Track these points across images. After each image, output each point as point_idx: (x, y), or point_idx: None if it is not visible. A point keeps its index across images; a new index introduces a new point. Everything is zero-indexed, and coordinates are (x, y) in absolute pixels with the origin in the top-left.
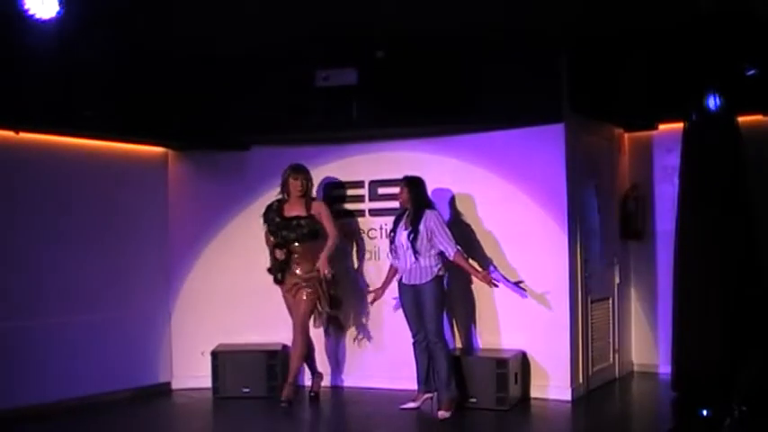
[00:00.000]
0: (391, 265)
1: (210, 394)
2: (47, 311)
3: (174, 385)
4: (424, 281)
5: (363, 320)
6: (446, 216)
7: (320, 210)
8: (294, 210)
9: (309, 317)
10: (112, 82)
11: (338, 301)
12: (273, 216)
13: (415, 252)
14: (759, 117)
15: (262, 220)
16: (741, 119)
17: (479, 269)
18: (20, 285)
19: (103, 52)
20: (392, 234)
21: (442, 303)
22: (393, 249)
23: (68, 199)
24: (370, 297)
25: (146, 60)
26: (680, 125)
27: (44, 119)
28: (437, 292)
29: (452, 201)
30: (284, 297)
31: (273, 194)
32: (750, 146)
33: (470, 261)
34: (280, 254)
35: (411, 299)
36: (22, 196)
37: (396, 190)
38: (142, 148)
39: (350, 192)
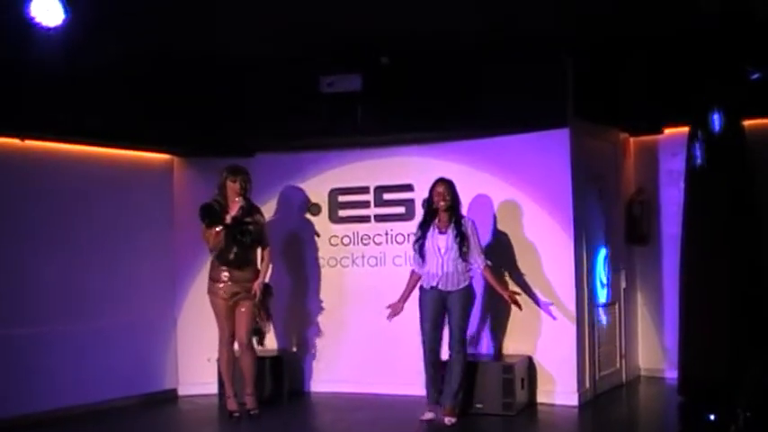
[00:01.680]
0: (412, 273)
1: (216, 401)
2: (52, 319)
3: (181, 392)
4: (460, 287)
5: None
6: None
7: (264, 220)
8: (235, 213)
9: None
10: (117, 89)
11: (271, 315)
12: (221, 217)
13: (460, 257)
14: (764, 121)
15: (206, 220)
16: (746, 122)
17: (507, 287)
18: (25, 293)
19: (108, 60)
20: (420, 239)
21: (471, 310)
22: (421, 255)
23: (73, 206)
24: (388, 312)
25: (151, 67)
26: (685, 129)
27: (49, 126)
28: (470, 299)
29: None
30: (217, 303)
31: (275, 200)
32: (755, 150)
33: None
34: (232, 254)
35: (438, 306)
36: (28, 204)
37: (401, 196)
38: (147, 154)
39: (355, 198)
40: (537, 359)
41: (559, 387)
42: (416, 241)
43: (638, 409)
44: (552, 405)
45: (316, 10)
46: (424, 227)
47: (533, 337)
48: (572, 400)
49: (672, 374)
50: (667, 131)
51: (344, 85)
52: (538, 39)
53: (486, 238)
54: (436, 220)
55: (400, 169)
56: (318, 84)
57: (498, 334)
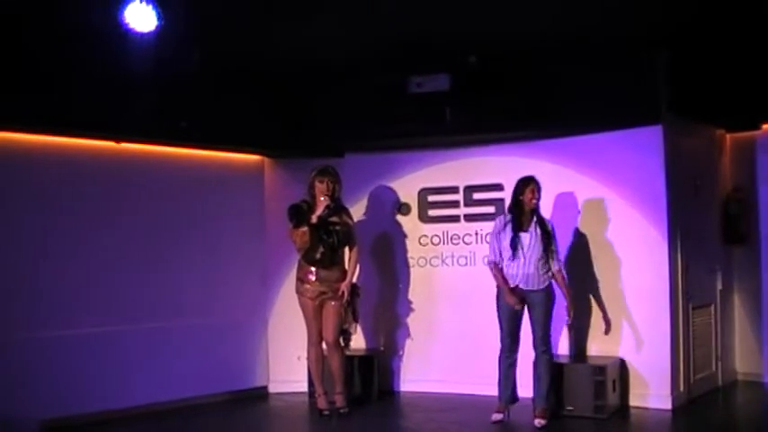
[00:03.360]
0: (495, 266)
1: (306, 398)
2: (148, 316)
3: (271, 389)
4: (541, 287)
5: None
6: None
7: (352, 221)
8: (321, 213)
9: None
10: (209, 92)
11: (358, 316)
12: (308, 217)
13: (541, 258)
14: None
15: (293, 220)
16: None
17: (569, 295)
18: (122, 291)
19: (201, 63)
20: (515, 238)
21: (553, 310)
22: (513, 251)
23: (167, 207)
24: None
25: (241, 71)
26: None
27: (143, 130)
28: (552, 299)
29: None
30: (304, 303)
31: (365, 200)
32: None
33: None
34: (318, 253)
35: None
36: (124, 205)
37: (491, 195)
38: (239, 156)
39: (444, 197)
40: (629, 361)
41: (652, 390)
42: (510, 239)
43: (734, 413)
44: (645, 408)
45: (404, 12)
46: (516, 224)
47: (626, 339)
48: (665, 403)
49: None
50: (766, 127)
51: (433, 85)
52: (630, 35)
53: (576, 237)
54: (520, 218)
55: (490, 168)
56: (407, 84)
57: (590, 335)
